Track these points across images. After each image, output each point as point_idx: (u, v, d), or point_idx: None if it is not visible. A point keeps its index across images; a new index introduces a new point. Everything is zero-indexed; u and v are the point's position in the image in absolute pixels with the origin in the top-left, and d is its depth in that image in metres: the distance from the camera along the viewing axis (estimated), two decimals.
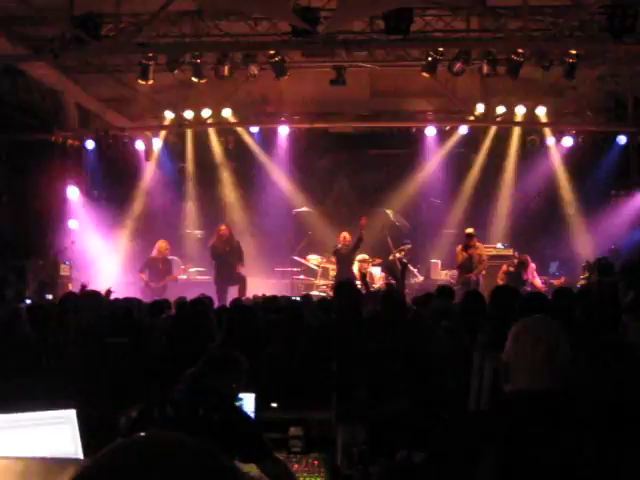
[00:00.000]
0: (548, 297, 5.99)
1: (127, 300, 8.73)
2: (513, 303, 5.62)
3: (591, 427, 2.75)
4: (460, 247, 15.66)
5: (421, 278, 16.79)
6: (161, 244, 16.07)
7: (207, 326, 6.86)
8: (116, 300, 9.22)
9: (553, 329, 2.99)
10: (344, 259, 15.87)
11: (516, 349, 2.94)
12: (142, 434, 1.29)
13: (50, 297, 14.06)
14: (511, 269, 15.48)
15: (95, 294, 8.72)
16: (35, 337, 6.94)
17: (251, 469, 4.48)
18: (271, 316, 7.81)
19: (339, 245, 16.02)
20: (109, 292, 10.20)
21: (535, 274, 15.36)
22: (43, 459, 3.51)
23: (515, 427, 2.71)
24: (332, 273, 16.59)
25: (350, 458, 4.53)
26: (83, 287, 11.10)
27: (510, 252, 16.28)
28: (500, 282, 15.04)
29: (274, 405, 5.59)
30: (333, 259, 16.34)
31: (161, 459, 1.20)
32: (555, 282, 15.29)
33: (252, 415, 4.87)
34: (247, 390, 5.05)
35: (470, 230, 15.60)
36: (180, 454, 1.22)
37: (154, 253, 16.00)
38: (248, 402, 5.05)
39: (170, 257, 16.30)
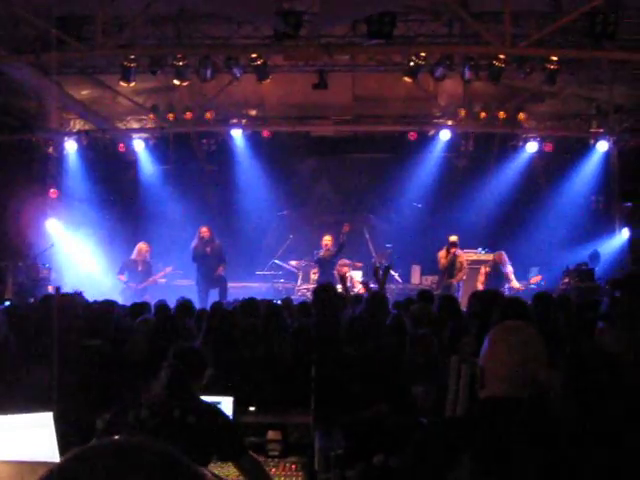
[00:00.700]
0: (526, 303, 6.00)
1: (105, 302, 8.68)
2: (491, 307, 5.63)
3: (566, 435, 2.76)
4: (443, 252, 15.72)
5: (401, 282, 16.81)
6: (141, 246, 16.00)
7: (184, 330, 6.86)
8: (94, 302, 9.17)
9: (529, 335, 2.98)
10: (326, 263, 15.90)
11: (492, 355, 2.94)
12: (108, 439, 1.29)
13: (32, 300, 13.98)
14: (488, 269, 15.61)
15: (72, 296, 8.67)
16: (13, 340, 6.89)
17: (228, 474, 4.49)
18: (250, 320, 7.80)
19: (321, 250, 16.06)
20: (78, 294, 10.15)
21: (512, 276, 15.47)
22: (18, 463, 3.49)
23: (489, 434, 2.71)
24: (313, 277, 16.60)
25: (327, 462, 4.53)
26: (57, 290, 11.05)
27: (491, 257, 16.32)
28: (480, 285, 15.17)
29: (252, 409, 5.58)
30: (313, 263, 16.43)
31: (124, 465, 1.20)
32: (532, 280, 15.39)
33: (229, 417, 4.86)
34: (225, 394, 5.05)
35: (454, 238, 15.67)
36: (143, 460, 1.21)
37: (134, 255, 15.94)
38: (226, 406, 5.05)
39: (149, 259, 16.22)
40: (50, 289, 14.90)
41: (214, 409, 4.39)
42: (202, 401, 4.36)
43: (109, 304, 8.41)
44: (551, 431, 2.74)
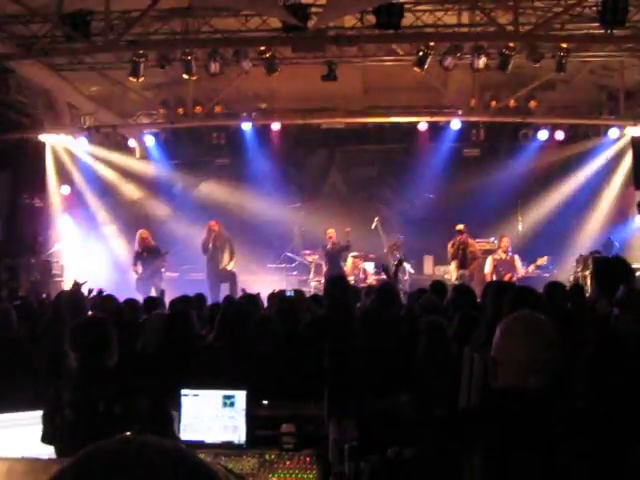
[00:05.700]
0: (538, 291, 5.95)
1: (110, 297, 8.71)
2: (503, 298, 5.60)
3: (580, 426, 2.74)
4: (450, 243, 15.78)
5: (414, 273, 16.78)
6: (141, 233, 16.11)
7: (195, 324, 6.88)
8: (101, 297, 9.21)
9: (542, 325, 2.96)
10: (332, 257, 15.99)
11: (504, 345, 2.92)
12: (119, 437, 1.27)
13: (44, 296, 14.05)
14: (496, 257, 15.58)
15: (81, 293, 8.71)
16: (25, 336, 6.91)
17: (243, 467, 4.48)
18: (263, 313, 7.80)
19: (327, 243, 16.15)
20: (90, 290, 10.22)
21: (517, 263, 15.45)
22: (28, 460, 3.49)
23: (503, 425, 2.69)
24: (326, 269, 16.62)
25: (341, 454, 4.51)
26: (76, 285, 11.09)
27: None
28: (489, 274, 15.18)
29: (265, 402, 5.56)
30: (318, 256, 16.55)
31: (137, 463, 1.19)
32: (538, 261, 15.29)
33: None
34: (239, 387, 5.04)
35: (460, 226, 15.69)
36: (156, 457, 1.20)
37: (137, 246, 16.02)
38: (239, 399, 5.04)
39: (154, 243, 16.21)
40: (62, 285, 14.98)
41: (137, 388, 4.32)
42: (123, 381, 4.32)
43: (115, 299, 8.44)
44: (565, 422, 2.72)
